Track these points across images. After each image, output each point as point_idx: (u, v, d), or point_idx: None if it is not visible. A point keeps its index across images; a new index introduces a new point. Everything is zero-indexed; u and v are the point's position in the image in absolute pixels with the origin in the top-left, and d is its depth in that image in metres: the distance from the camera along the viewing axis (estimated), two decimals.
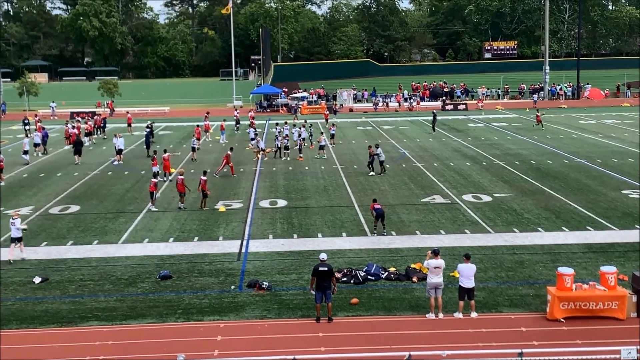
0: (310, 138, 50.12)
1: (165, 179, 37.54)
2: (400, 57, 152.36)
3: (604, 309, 18.06)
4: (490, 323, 18.07)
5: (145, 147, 47.83)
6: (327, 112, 61.97)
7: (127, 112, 66.06)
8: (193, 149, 45.54)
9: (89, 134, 54.94)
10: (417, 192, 34.10)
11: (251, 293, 20.52)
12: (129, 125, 61.19)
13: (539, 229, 27.01)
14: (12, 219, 24.65)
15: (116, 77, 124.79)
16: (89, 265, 23.59)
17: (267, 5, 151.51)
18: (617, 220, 27.97)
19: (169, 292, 20.78)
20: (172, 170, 38.62)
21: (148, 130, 50.46)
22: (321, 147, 45.46)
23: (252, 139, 49.25)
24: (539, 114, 60.33)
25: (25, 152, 44.64)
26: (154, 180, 31.95)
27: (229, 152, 40.04)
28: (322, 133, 47.71)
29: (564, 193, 33.02)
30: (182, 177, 31.68)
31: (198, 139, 51.74)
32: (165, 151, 40.11)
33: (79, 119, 63.30)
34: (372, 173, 38.57)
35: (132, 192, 35.37)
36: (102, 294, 20.77)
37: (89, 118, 63.32)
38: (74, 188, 36.49)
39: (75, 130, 50.83)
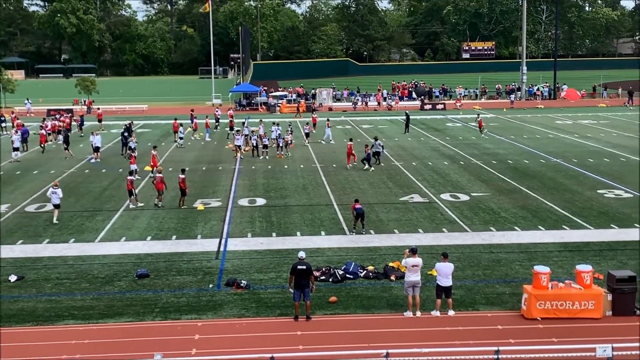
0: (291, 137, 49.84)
1: (152, 175, 37.47)
2: (379, 56, 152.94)
3: (581, 310, 18.20)
4: (467, 321, 18.19)
5: (121, 145, 47.48)
6: (315, 116, 60.62)
7: (99, 109, 65.96)
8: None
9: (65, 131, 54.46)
10: (395, 191, 34.22)
11: (229, 292, 20.49)
12: (99, 121, 61.15)
13: (516, 227, 27.22)
14: (53, 187, 28.80)
15: (94, 75, 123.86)
16: (66, 263, 23.41)
17: (246, 3, 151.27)
18: (593, 219, 28.26)
19: (146, 291, 20.69)
20: (149, 168, 38.48)
21: (125, 128, 50.10)
22: (286, 145, 45.84)
23: (181, 138, 50.41)
24: (480, 119, 56.46)
25: (15, 150, 44.32)
26: (130, 177, 31.75)
27: (350, 143, 41.27)
28: (291, 132, 47.69)
29: (540, 192, 33.29)
30: (160, 174, 31.55)
31: (175, 132, 51.77)
32: (154, 147, 40.04)
33: (57, 115, 62.70)
34: (368, 167, 39.55)
35: (110, 190, 35.15)
36: (78, 292, 20.63)
37: (66, 116, 62.82)
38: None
39: (43, 131, 50.05)
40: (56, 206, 28.75)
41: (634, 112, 70.33)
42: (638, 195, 32.28)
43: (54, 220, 28.33)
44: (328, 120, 55.19)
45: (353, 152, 40.50)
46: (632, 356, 14.32)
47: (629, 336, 16.72)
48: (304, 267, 18.28)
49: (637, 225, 27.14)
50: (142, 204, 31.21)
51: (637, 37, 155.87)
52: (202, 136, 54.65)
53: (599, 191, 33.48)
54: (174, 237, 26.47)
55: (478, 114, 59.94)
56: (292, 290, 18.42)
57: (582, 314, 18.18)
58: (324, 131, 52.69)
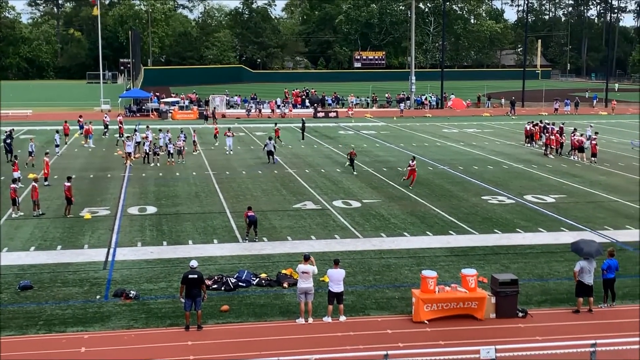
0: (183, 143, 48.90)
1: (45, 183, 36.12)
2: (272, 64, 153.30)
3: (464, 308, 18.91)
4: (358, 326, 18.45)
5: (5, 152, 45.47)
6: (217, 127, 58.49)
7: None
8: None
9: None
10: (289, 198, 34.35)
11: (118, 302, 19.97)
12: None
13: (405, 233, 27.87)
14: None
15: None
16: None
17: (136, 7, 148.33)
18: (478, 224, 29.29)
19: (29, 303, 19.88)
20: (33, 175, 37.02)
21: (7, 135, 47.99)
22: (179, 152, 45.28)
23: (30, 150, 45.78)
24: (277, 128, 54.86)
25: None
26: (13, 185, 30.46)
27: (412, 163, 37.40)
28: (184, 139, 46.69)
29: (428, 199, 34.22)
30: (36, 183, 30.44)
31: (67, 135, 50.27)
32: (46, 154, 38.49)
33: None
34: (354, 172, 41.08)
35: None
36: None
37: None
38: None
39: None
40: None
41: (516, 121, 73.50)
42: (519, 201, 33.73)
43: None
44: (229, 129, 52.60)
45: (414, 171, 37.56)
46: (514, 357, 14.90)
47: (511, 337, 17.43)
48: (196, 276, 18.07)
49: (519, 230, 28.35)
50: (22, 214, 29.98)
51: (519, 49, 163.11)
52: (88, 143, 53.03)
53: (483, 197, 34.75)
54: (59, 247, 25.57)
55: (275, 123, 59.70)
56: (183, 300, 18.16)
57: (465, 312, 18.87)
58: (224, 141, 51.22)
